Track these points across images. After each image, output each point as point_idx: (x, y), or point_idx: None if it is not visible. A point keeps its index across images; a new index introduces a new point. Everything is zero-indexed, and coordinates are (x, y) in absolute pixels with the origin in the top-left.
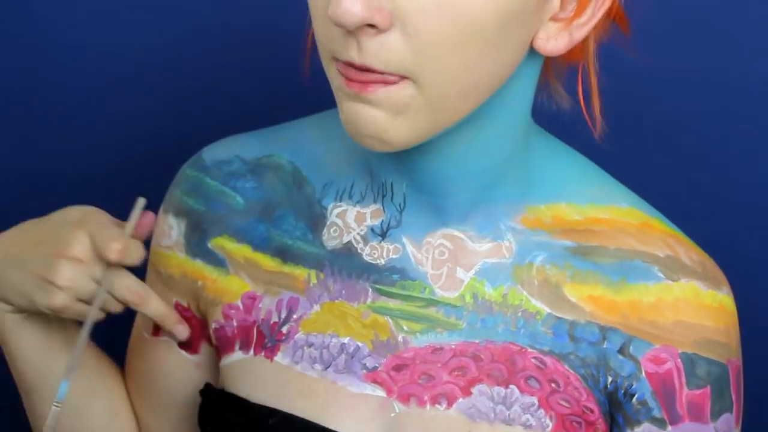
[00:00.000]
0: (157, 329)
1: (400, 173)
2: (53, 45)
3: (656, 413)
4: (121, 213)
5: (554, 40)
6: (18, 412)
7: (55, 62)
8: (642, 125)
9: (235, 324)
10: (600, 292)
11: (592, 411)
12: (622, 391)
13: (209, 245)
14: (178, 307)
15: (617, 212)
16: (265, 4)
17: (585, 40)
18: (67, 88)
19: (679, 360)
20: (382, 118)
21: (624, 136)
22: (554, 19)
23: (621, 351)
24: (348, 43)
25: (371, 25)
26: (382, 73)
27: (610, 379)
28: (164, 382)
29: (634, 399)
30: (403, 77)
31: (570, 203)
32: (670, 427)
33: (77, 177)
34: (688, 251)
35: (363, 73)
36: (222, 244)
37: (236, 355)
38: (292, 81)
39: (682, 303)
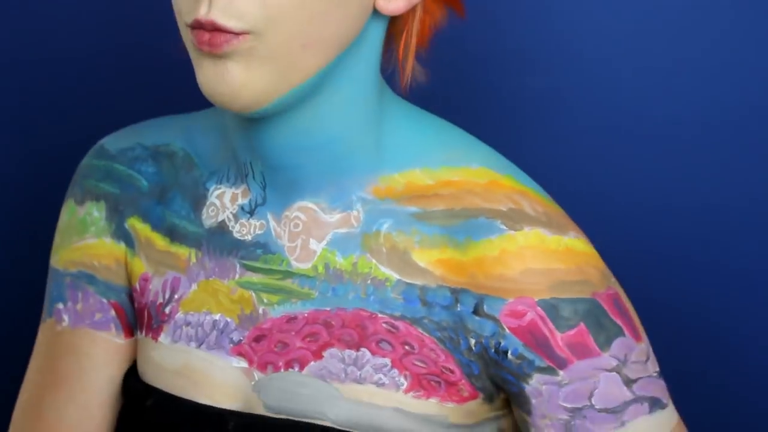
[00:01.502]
0: (129, 330)
1: (253, 152)
2: None
3: (539, 363)
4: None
5: (394, 1)
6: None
7: None
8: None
9: (135, 306)
10: (448, 254)
11: (452, 371)
12: (493, 350)
13: (126, 226)
14: (130, 298)
15: (467, 173)
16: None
17: (413, 9)
18: None
19: (539, 308)
20: (237, 71)
21: None
22: None
23: (476, 312)
24: (199, 2)
25: None
26: (227, 30)
27: (473, 341)
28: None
29: (509, 355)
30: (244, 33)
31: (425, 168)
32: (561, 372)
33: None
34: (533, 204)
35: (212, 34)
36: (133, 224)
37: (137, 336)
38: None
39: (528, 251)
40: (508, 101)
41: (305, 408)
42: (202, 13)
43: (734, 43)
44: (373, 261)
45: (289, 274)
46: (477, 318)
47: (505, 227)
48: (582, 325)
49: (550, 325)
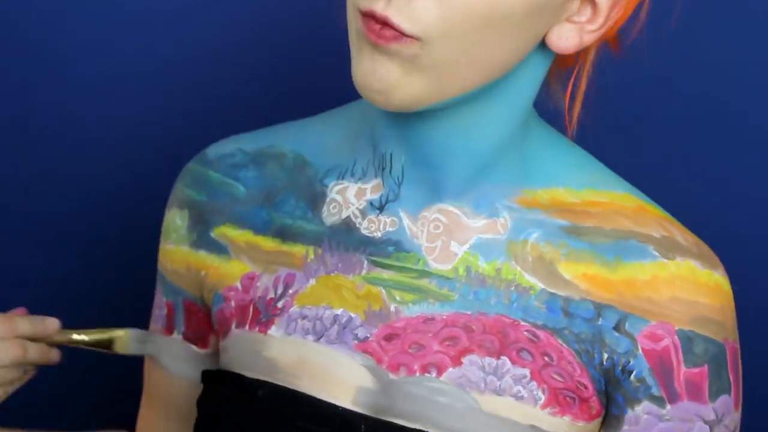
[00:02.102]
0: (170, 328)
1: (401, 143)
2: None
3: (654, 391)
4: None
5: (566, 40)
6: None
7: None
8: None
9: (233, 305)
10: (595, 270)
11: (585, 387)
12: (620, 368)
13: (212, 235)
14: (186, 304)
15: (614, 196)
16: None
17: (589, 47)
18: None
19: (676, 337)
20: (394, 71)
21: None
22: (570, 20)
23: (616, 328)
24: None
25: None
26: (398, 29)
27: (606, 355)
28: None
29: (632, 376)
30: (413, 38)
31: (567, 188)
32: (668, 406)
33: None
34: (683, 233)
35: (382, 28)
36: (224, 232)
37: (232, 333)
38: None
39: (678, 280)
40: None
41: (443, 419)
42: (380, 8)
43: (734, 43)
44: (518, 268)
45: (426, 273)
46: (616, 334)
47: (658, 254)
48: (706, 367)
49: (680, 356)
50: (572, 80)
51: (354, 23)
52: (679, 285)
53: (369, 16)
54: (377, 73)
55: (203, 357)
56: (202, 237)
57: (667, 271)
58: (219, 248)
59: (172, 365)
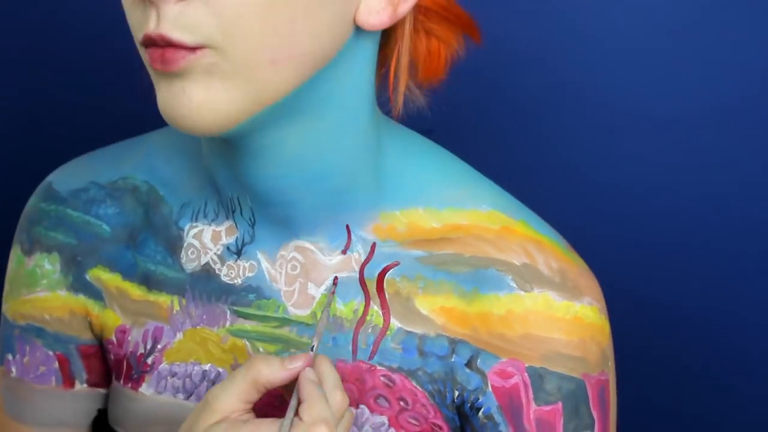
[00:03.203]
0: (69, 381)
1: (240, 186)
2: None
3: (503, 428)
4: None
5: (376, 14)
6: None
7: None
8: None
9: (112, 357)
10: (453, 302)
11: (440, 428)
12: (469, 405)
13: (87, 277)
14: (82, 349)
15: (477, 217)
16: None
17: (402, 24)
18: None
19: (526, 374)
20: (192, 90)
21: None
22: None
23: (468, 364)
24: (148, 14)
25: None
26: (179, 44)
27: (456, 393)
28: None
29: (480, 413)
30: (201, 47)
31: (428, 208)
32: None
33: None
34: (548, 258)
35: (164, 50)
36: (98, 275)
37: (113, 385)
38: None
39: (532, 315)
40: (508, 101)
41: None
42: (151, 28)
43: (735, 43)
44: (375, 308)
45: (286, 321)
46: (468, 370)
47: (515, 285)
48: (559, 404)
49: (530, 394)
50: (393, 62)
51: (144, 57)
52: (533, 320)
53: (149, 45)
54: (179, 100)
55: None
56: (78, 280)
57: (521, 306)
58: (95, 293)
59: (70, 421)
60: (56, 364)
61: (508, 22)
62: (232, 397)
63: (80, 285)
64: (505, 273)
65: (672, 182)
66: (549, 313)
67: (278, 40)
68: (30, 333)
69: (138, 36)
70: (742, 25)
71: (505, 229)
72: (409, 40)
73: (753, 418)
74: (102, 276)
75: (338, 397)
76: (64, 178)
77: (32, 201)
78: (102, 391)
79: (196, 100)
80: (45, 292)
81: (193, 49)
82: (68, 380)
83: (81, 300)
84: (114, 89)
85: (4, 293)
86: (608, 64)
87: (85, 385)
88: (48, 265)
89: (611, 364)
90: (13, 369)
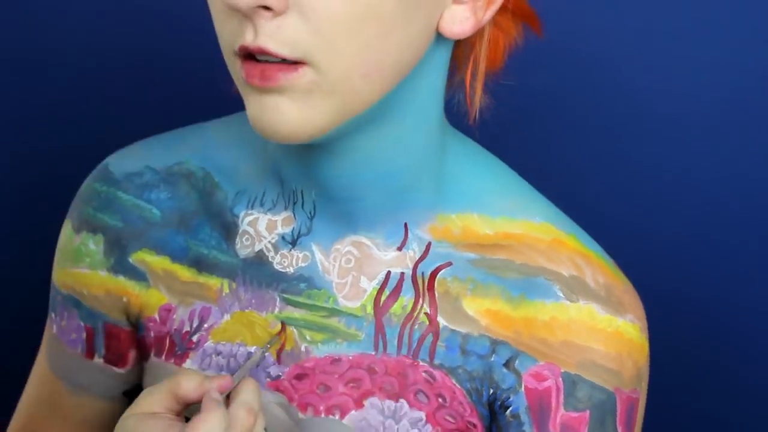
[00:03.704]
0: (91, 352)
1: (309, 180)
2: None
3: (527, 428)
4: None
5: (460, 23)
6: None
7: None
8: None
9: (152, 335)
10: (499, 306)
11: (475, 426)
12: (499, 403)
13: (130, 260)
14: (107, 327)
15: (529, 227)
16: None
17: (481, 31)
18: None
19: (560, 379)
20: (287, 106)
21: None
22: (457, 1)
23: (506, 364)
24: (244, 28)
25: (267, 8)
26: (279, 57)
27: (491, 391)
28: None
29: (507, 411)
30: (300, 63)
31: (482, 215)
32: None
33: None
34: (596, 273)
35: (261, 64)
36: (142, 257)
37: (151, 360)
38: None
39: (575, 324)
40: (508, 101)
41: None
42: (249, 39)
43: (735, 43)
44: (424, 305)
45: (335, 311)
46: (505, 370)
47: (562, 295)
48: (587, 413)
49: (561, 399)
50: (470, 67)
51: (234, 68)
52: (575, 329)
53: (246, 57)
54: (272, 116)
55: (123, 375)
56: (120, 262)
57: (566, 315)
58: (138, 274)
59: (93, 388)
60: (84, 335)
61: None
62: (153, 400)
63: (121, 267)
64: (554, 282)
65: (672, 182)
66: (591, 323)
67: (371, 54)
68: (69, 302)
69: (232, 46)
70: (742, 25)
71: (556, 241)
72: (487, 47)
73: (754, 417)
74: (147, 258)
75: (240, 415)
76: (121, 160)
77: (88, 181)
78: (117, 370)
79: (291, 116)
80: (87, 269)
81: (292, 65)
82: (90, 351)
83: (120, 281)
84: (117, 90)
85: (55, 260)
86: (608, 63)
87: (101, 360)
88: (92, 245)
89: (644, 385)
90: (54, 327)
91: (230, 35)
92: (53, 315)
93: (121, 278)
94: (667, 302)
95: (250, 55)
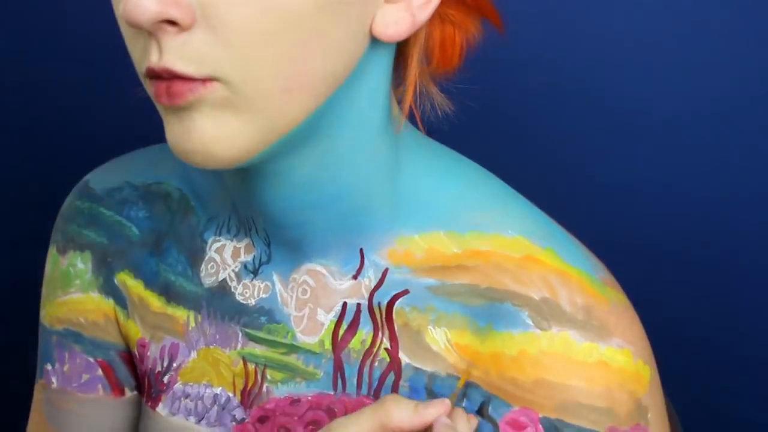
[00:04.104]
0: (119, 388)
1: (253, 205)
2: None
3: None
4: None
5: (394, 24)
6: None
7: None
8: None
9: (137, 371)
10: (466, 340)
11: None
12: None
13: (115, 281)
14: (124, 356)
15: (500, 243)
16: None
17: (418, 32)
18: None
19: (540, 426)
20: (201, 122)
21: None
22: (390, 0)
23: (480, 411)
24: (149, 47)
25: (172, 23)
26: (185, 76)
27: None
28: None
29: None
30: (210, 80)
31: (450, 231)
32: None
33: None
34: (572, 293)
35: (167, 80)
36: (124, 279)
37: (129, 395)
38: None
39: (547, 358)
40: (507, 101)
41: None
42: (154, 61)
43: (735, 43)
44: (384, 340)
45: (294, 348)
46: (480, 419)
47: (530, 322)
48: None
49: None
50: (413, 68)
51: (149, 90)
52: (547, 364)
53: (154, 77)
54: (190, 135)
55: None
56: (108, 282)
57: (535, 347)
58: (122, 300)
59: (134, 429)
60: (99, 371)
61: (507, 22)
62: None
63: (109, 288)
64: (521, 308)
65: (672, 182)
66: (567, 355)
67: (291, 66)
68: (67, 338)
69: (141, 69)
70: (742, 25)
71: (527, 258)
72: (421, 49)
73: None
74: (127, 281)
75: None
76: (101, 176)
77: (69, 199)
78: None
79: (209, 134)
80: (78, 293)
81: (202, 81)
82: (117, 388)
83: (111, 304)
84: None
85: (41, 300)
86: (608, 64)
87: (135, 392)
88: (81, 264)
89: (653, 416)
90: (54, 380)
91: (139, 57)
92: (49, 367)
93: (111, 301)
94: (667, 303)
95: (159, 75)
